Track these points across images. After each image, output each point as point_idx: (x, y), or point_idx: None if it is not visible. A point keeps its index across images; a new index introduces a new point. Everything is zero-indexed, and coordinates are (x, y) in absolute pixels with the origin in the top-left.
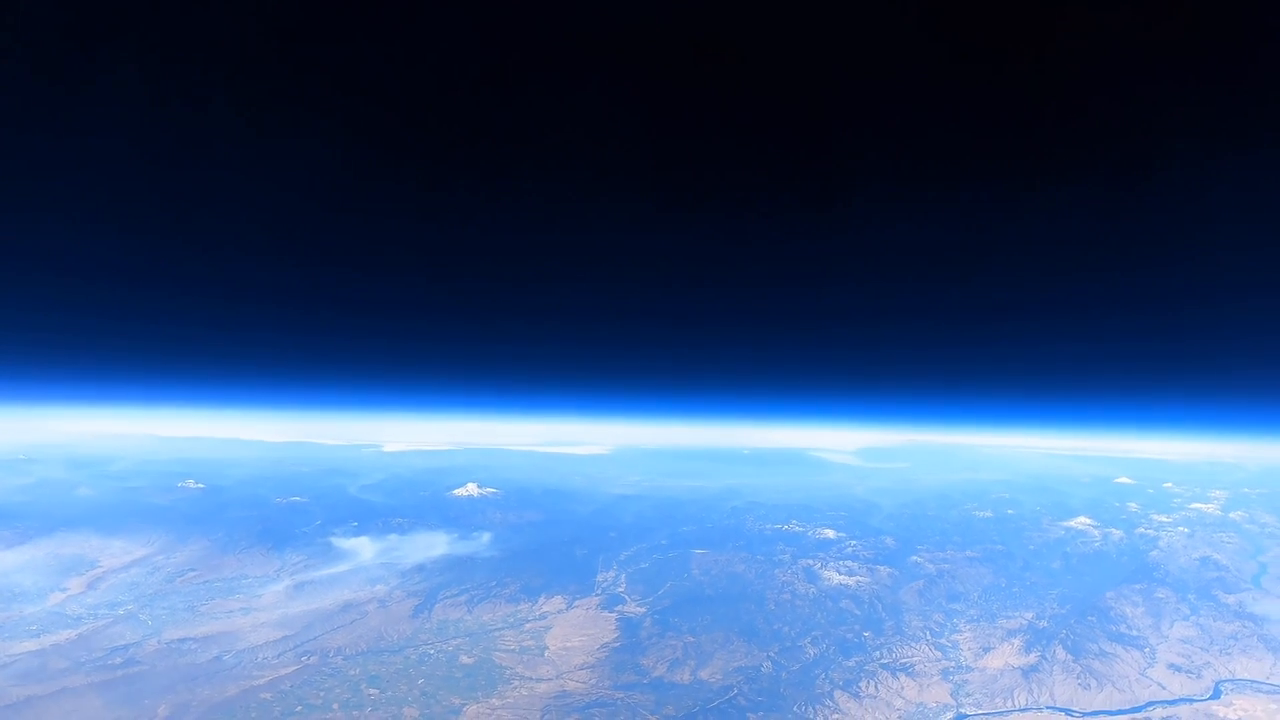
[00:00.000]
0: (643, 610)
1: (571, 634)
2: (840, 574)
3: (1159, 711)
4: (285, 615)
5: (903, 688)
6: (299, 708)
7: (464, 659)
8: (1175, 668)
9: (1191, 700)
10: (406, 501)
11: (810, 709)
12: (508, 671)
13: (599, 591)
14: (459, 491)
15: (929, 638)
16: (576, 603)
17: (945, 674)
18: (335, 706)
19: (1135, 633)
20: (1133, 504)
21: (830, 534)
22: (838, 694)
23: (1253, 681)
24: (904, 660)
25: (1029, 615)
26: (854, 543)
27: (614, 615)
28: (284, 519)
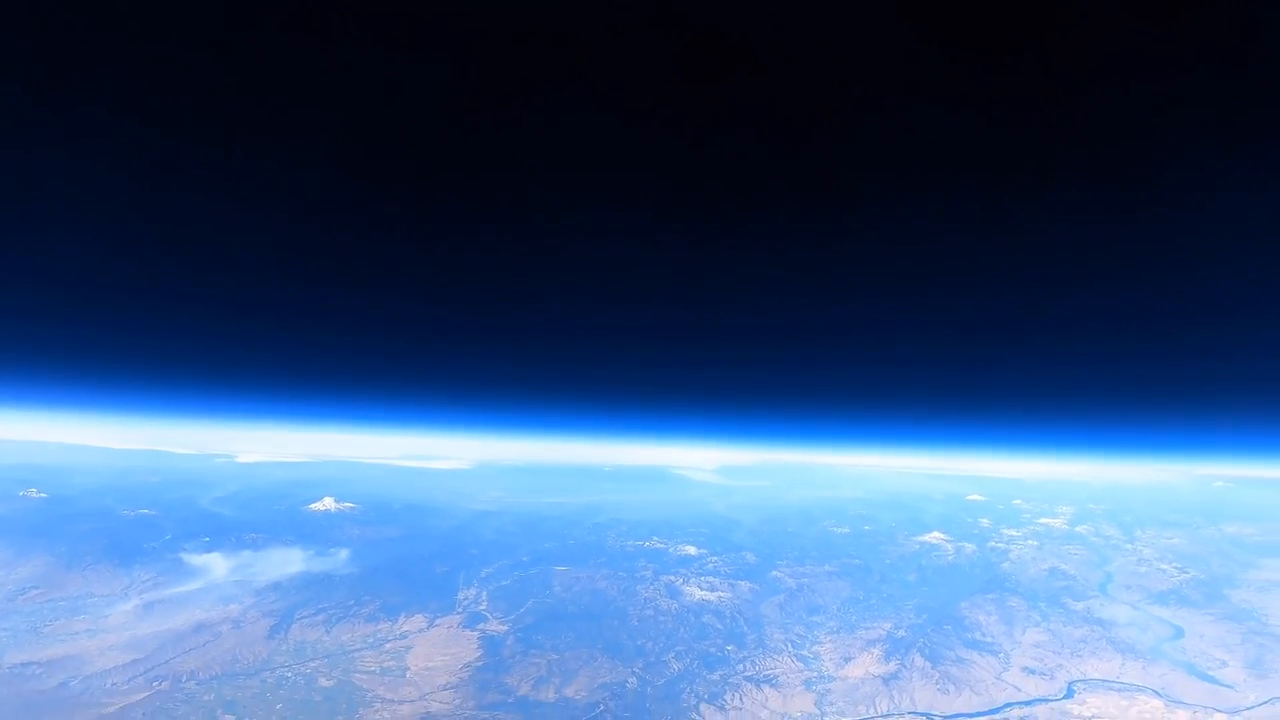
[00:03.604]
0: (505, 628)
1: (433, 653)
2: (702, 589)
3: (1016, 712)
4: (134, 637)
5: (767, 699)
6: None
7: (323, 681)
8: (1029, 670)
9: (1046, 700)
10: (261, 516)
11: None
12: (369, 694)
13: (460, 609)
14: (315, 506)
15: (791, 650)
16: (438, 621)
17: (808, 684)
18: None
19: (990, 639)
20: (984, 519)
21: (691, 550)
22: (703, 707)
23: (1103, 681)
24: (767, 672)
25: (887, 626)
26: (715, 559)
27: (476, 634)
28: (132, 533)
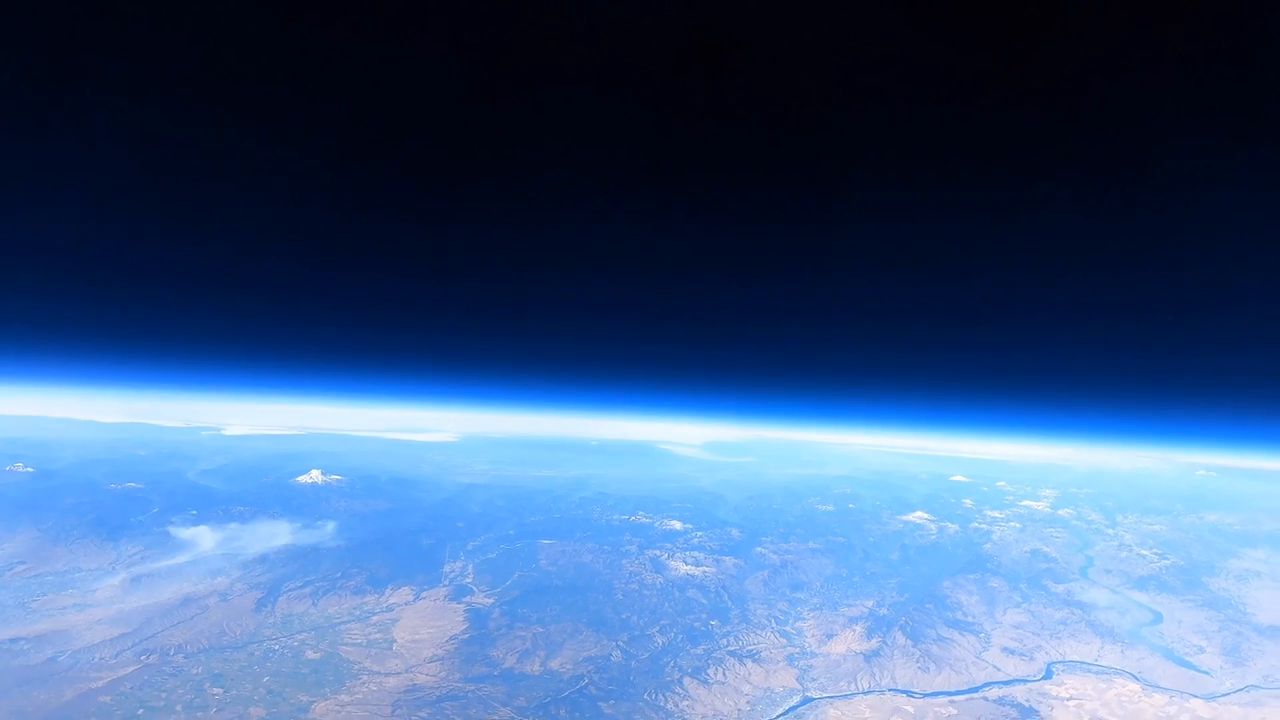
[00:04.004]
0: (491, 601)
1: (420, 626)
2: (687, 564)
3: (995, 691)
4: (122, 611)
5: (750, 673)
6: (140, 711)
7: (310, 654)
8: (1009, 651)
9: (1025, 680)
10: (248, 488)
11: (660, 696)
12: (356, 666)
13: (447, 582)
14: (302, 478)
15: (774, 625)
16: (424, 594)
17: (791, 660)
18: (179, 708)
19: (970, 619)
20: (967, 500)
21: (677, 525)
22: (687, 681)
23: (1081, 663)
24: (750, 647)
25: (870, 603)
26: (700, 534)
27: (462, 606)
28: (119, 506)
